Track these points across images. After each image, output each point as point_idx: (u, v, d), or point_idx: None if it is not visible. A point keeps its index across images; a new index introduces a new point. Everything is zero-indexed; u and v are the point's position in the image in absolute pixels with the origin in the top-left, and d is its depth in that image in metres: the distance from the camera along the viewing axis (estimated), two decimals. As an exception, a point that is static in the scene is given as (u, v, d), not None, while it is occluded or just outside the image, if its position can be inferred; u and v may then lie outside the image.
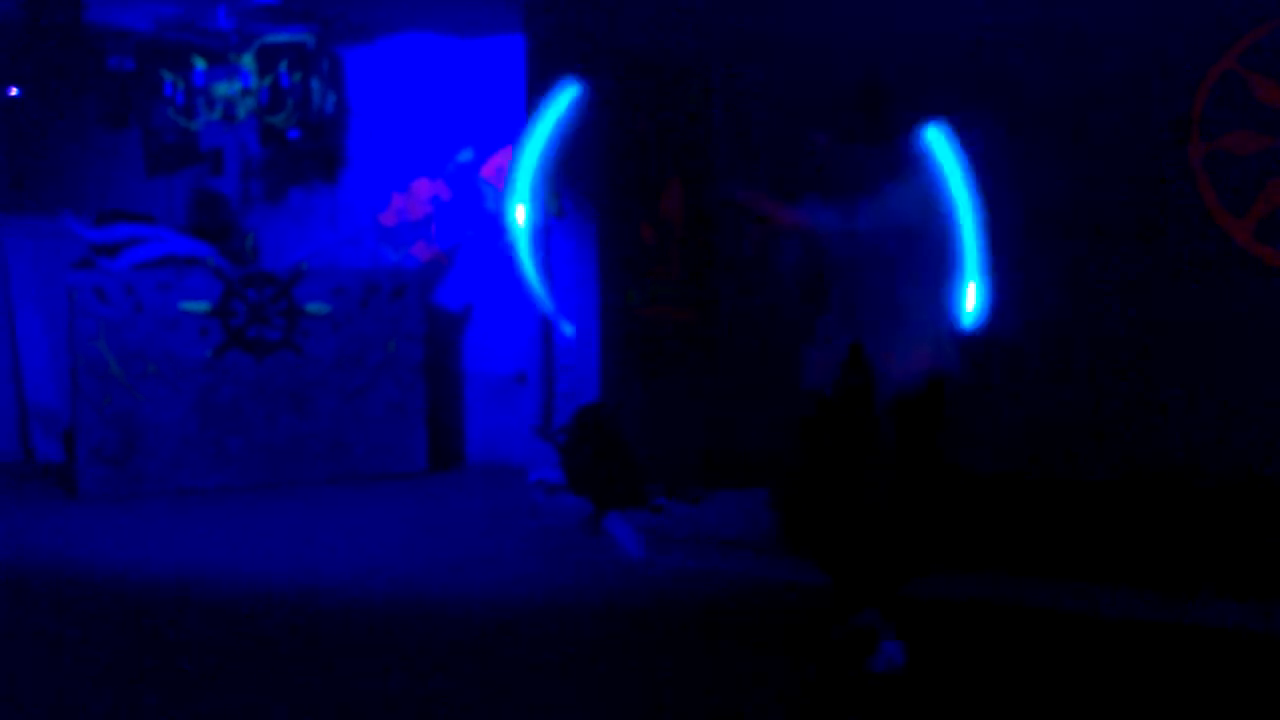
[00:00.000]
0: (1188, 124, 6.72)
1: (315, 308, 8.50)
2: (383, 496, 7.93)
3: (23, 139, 10.96)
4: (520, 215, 4.86)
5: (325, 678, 4.33)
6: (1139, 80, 6.87)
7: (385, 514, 7.37)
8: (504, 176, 8.99)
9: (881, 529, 4.27)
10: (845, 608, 4.31)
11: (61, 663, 4.54)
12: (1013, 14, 7.23)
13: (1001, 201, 6.85)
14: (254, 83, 9.61)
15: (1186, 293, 6.76)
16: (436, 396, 9.05)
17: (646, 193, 7.98)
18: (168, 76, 9.78)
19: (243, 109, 9.67)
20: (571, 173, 8.02)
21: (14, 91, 10.13)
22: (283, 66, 9.48)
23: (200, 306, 8.22)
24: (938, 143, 4.18)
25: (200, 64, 9.73)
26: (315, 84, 9.46)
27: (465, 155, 9.20)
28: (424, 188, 9.40)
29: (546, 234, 8.19)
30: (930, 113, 4.31)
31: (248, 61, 9.58)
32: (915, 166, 4.23)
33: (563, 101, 4.81)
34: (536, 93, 8.13)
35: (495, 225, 9.06)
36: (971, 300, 4.20)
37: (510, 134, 8.83)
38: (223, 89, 9.75)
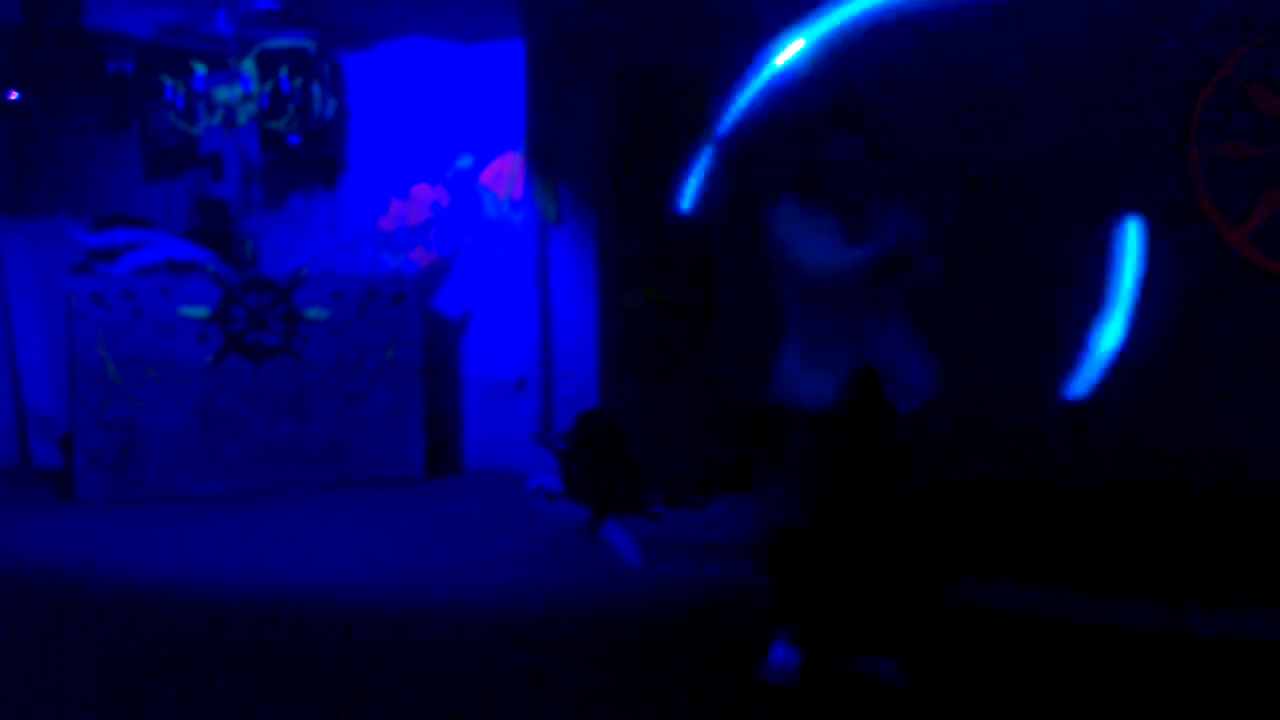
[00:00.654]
0: (1186, 132, 6.73)
1: (314, 313, 8.50)
2: (381, 502, 7.93)
3: (22, 143, 10.95)
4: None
5: (322, 683, 4.32)
6: (1137, 87, 6.88)
7: (383, 520, 7.37)
8: (503, 182, 9.03)
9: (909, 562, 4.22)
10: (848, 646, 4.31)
11: (59, 668, 4.53)
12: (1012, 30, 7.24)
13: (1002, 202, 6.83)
14: (254, 88, 9.62)
15: (1183, 299, 6.77)
16: (435, 402, 9.05)
17: (646, 197, 7.98)
18: (168, 81, 9.79)
19: (243, 114, 9.68)
20: (570, 178, 8.03)
21: (14, 95, 10.14)
22: (283, 72, 9.49)
23: (199, 312, 8.22)
24: None
25: (200, 69, 9.74)
26: (315, 89, 9.47)
27: (465, 161, 9.20)
28: (423, 193, 9.40)
29: (545, 240, 8.21)
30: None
31: (248, 67, 9.59)
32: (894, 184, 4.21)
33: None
34: (535, 98, 8.17)
35: (494, 231, 9.08)
36: None
37: (510, 140, 8.85)
38: (223, 94, 9.76)
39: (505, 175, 8.99)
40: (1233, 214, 6.64)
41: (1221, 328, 6.71)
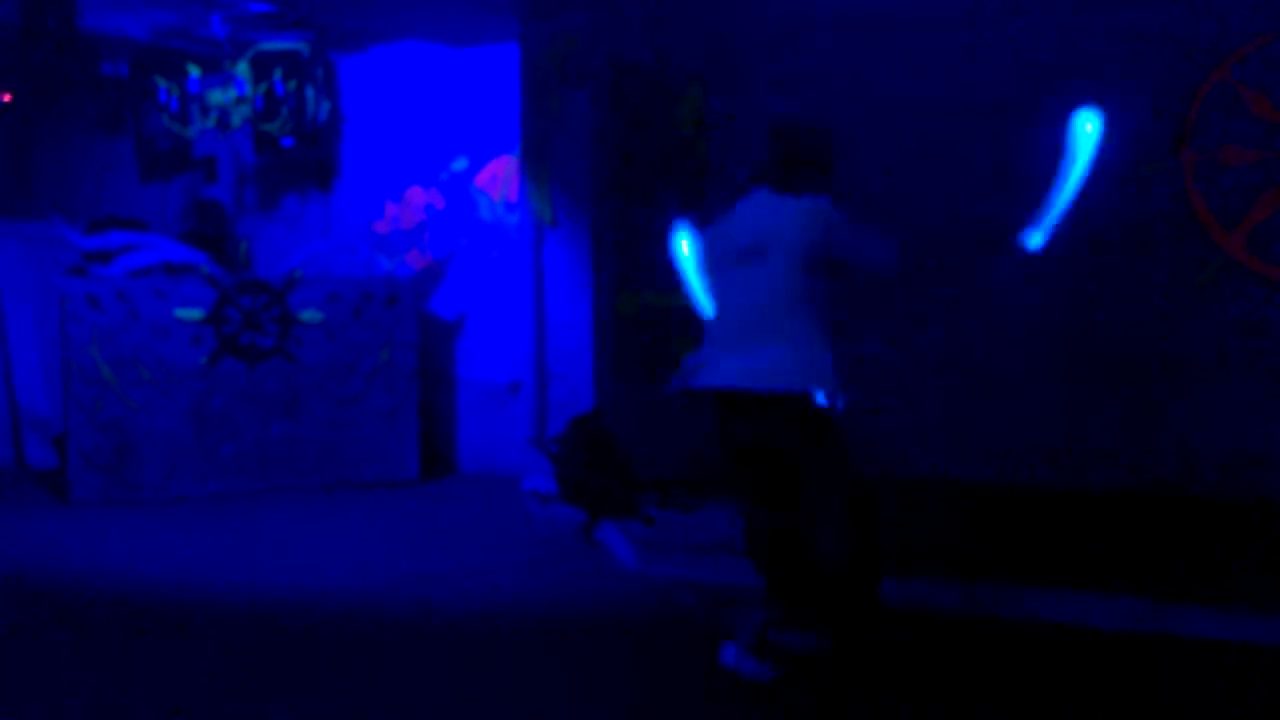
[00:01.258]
0: (1181, 136, 6.76)
1: (309, 315, 8.50)
2: (375, 505, 7.92)
3: (17, 144, 10.96)
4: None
5: (315, 686, 4.32)
6: (1133, 92, 6.90)
7: (377, 522, 7.36)
8: (498, 184, 9.04)
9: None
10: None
11: (52, 669, 4.53)
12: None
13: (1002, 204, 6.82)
14: (248, 90, 9.63)
15: (1178, 303, 6.80)
16: (429, 405, 9.05)
17: (641, 200, 7.99)
18: (162, 83, 9.80)
19: (237, 116, 9.69)
20: (564, 180, 8.04)
21: (8, 97, 10.14)
22: (277, 74, 9.50)
23: (193, 314, 8.22)
24: None
25: (195, 71, 9.75)
26: (309, 92, 9.47)
27: (459, 164, 9.21)
28: (418, 196, 9.41)
29: (540, 242, 8.21)
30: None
31: (242, 69, 9.60)
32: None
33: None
34: (530, 101, 8.18)
35: (489, 234, 9.08)
36: None
37: (504, 142, 8.86)
38: (217, 96, 9.77)
39: (500, 178, 9.00)
40: (1227, 218, 6.66)
41: (1215, 330, 6.74)
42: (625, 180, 8.01)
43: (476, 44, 8.97)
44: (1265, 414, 6.58)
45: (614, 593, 5.63)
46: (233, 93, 9.62)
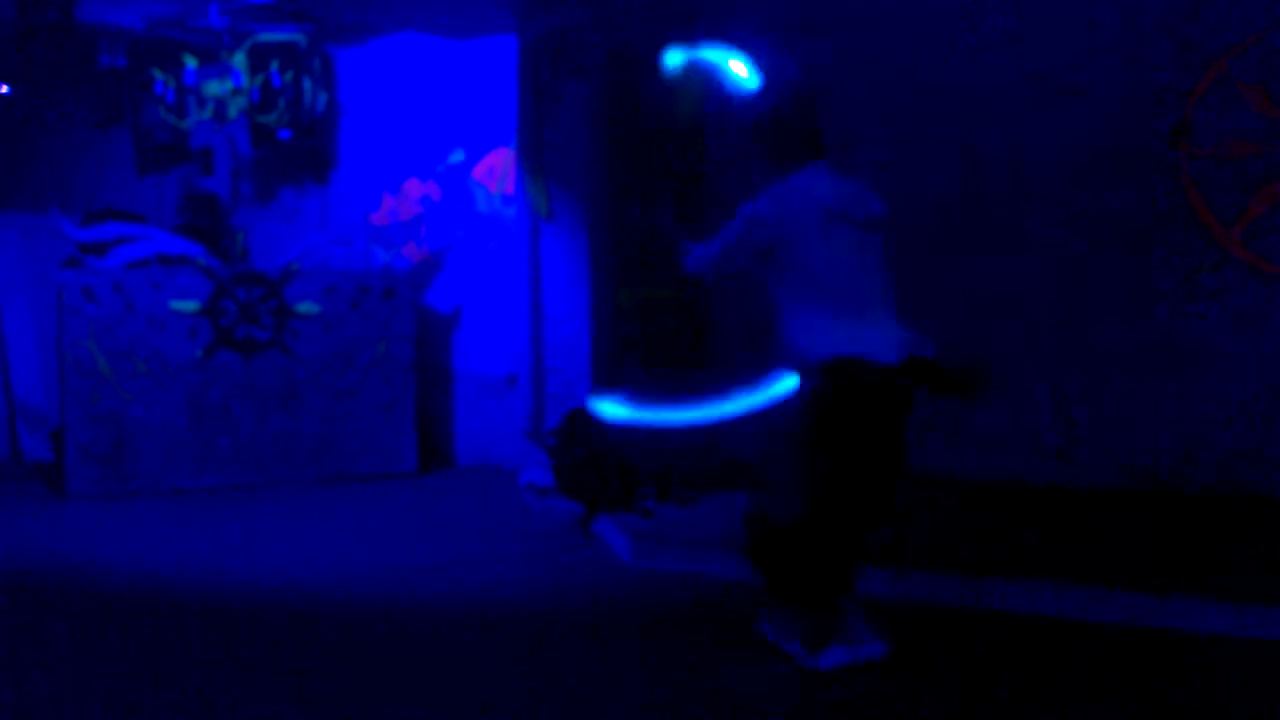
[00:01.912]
0: (1179, 131, 6.76)
1: (305, 308, 8.49)
2: (372, 497, 7.92)
3: (14, 137, 10.93)
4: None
5: (311, 678, 4.32)
6: (1132, 88, 6.91)
7: (374, 515, 7.36)
8: (495, 177, 9.02)
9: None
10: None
11: (50, 662, 4.52)
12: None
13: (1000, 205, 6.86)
14: (245, 82, 9.61)
15: (1176, 297, 6.80)
16: (426, 397, 9.04)
17: (638, 193, 7.98)
18: (159, 75, 9.77)
19: (234, 108, 9.66)
20: (562, 173, 8.03)
21: (5, 89, 10.12)
22: (274, 66, 9.48)
23: (190, 306, 8.21)
24: None
25: (191, 63, 9.72)
26: (307, 84, 9.45)
27: (456, 156, 9.19)
28: (415, 188, 9.39)
29: (537, 235, 8.20)
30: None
31: (239, 60, 9.57)
32: None
33: None
34: (527, 93, 8.16)
35: (486, 226, 9.07)
36: None
37: (502, 135, 8.84)
38: (214, 88, 9.74)
39: (497, 170, 8.99)
40: (1225, 213, 6.66)
41: (1212, 324, 6.74)
42: (623, 173, 7.99)
43: (474, 36, 8.95)
44: (1263, 410, 6.58)
45: (610, 585, 5.63)
46: (229, 84, 9.59)
